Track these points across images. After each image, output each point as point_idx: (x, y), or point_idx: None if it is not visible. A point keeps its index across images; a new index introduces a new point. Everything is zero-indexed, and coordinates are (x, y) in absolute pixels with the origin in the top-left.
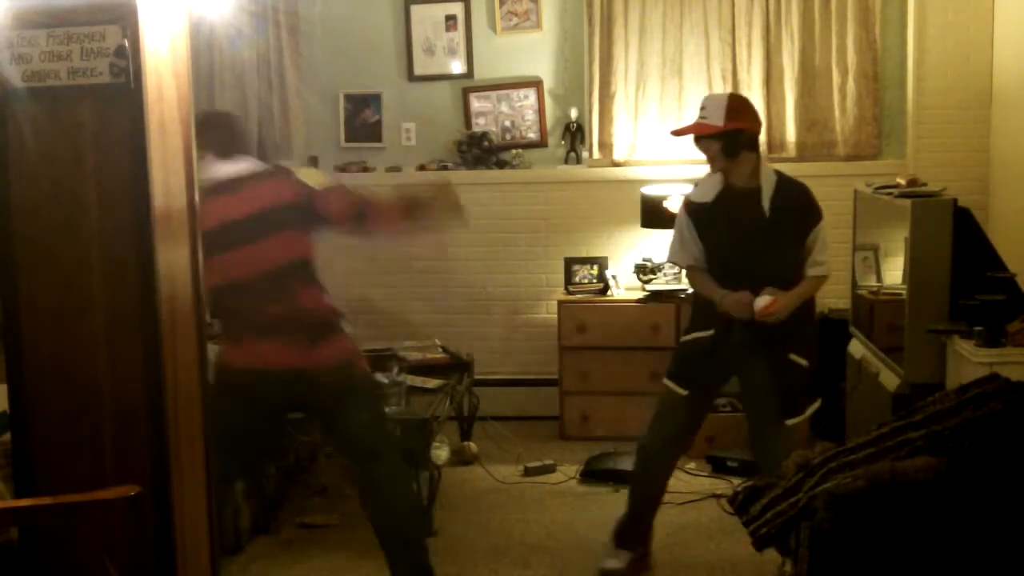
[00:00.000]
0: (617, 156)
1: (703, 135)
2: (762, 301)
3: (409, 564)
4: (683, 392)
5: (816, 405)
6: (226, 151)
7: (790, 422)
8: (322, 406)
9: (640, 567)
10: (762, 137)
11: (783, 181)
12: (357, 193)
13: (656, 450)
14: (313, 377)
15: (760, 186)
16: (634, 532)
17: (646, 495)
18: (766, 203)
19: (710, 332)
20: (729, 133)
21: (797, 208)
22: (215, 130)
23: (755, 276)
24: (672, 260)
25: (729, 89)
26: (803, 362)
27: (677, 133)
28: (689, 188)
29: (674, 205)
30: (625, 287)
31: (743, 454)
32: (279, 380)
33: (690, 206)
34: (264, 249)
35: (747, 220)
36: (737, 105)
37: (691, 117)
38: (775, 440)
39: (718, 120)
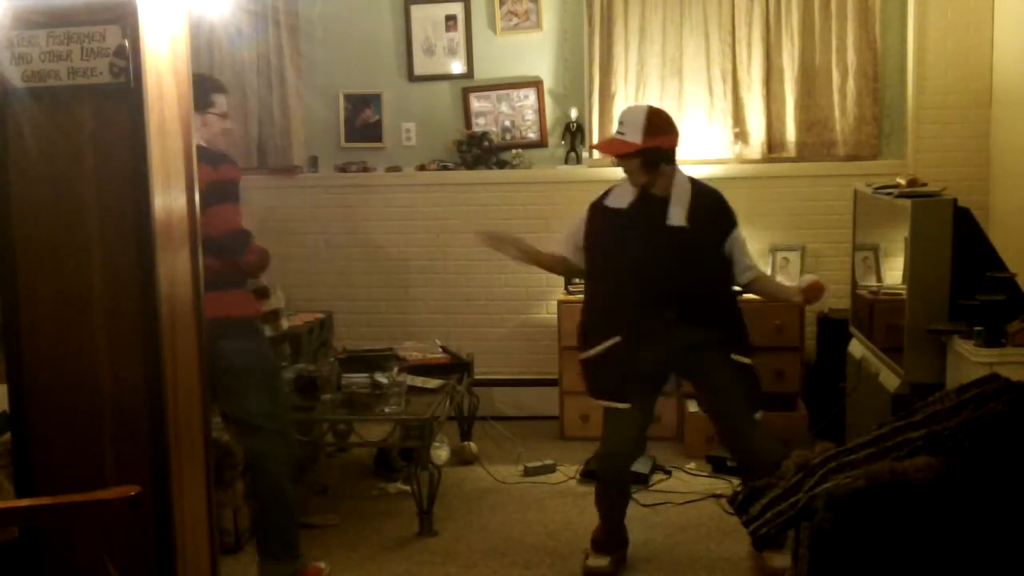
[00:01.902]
0: None
1: (621, 153)
2: (808, 278)
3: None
4: (625, 406)
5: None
6: None
7: (758, 416)
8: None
9: (619, 565)
10: (762, 137)
11: (698, 188)
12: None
13: (615, 463)
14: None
15: (670, 194)
16: (613, 536)
17: (613, 502)
18: (681, 211)
19: (617, 339)
20: (648, 151)
21: (714, 214)
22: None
23: (671, 283)
24: (556, 247)
25: (729, 90)
26: (747, 360)
27: (596, 148)
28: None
29: None
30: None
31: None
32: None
33: (600, 209)
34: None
35: (660, 227)
36: (655, 121)
37: (692, 117)
38: (755, 434)
39: (636, 138)
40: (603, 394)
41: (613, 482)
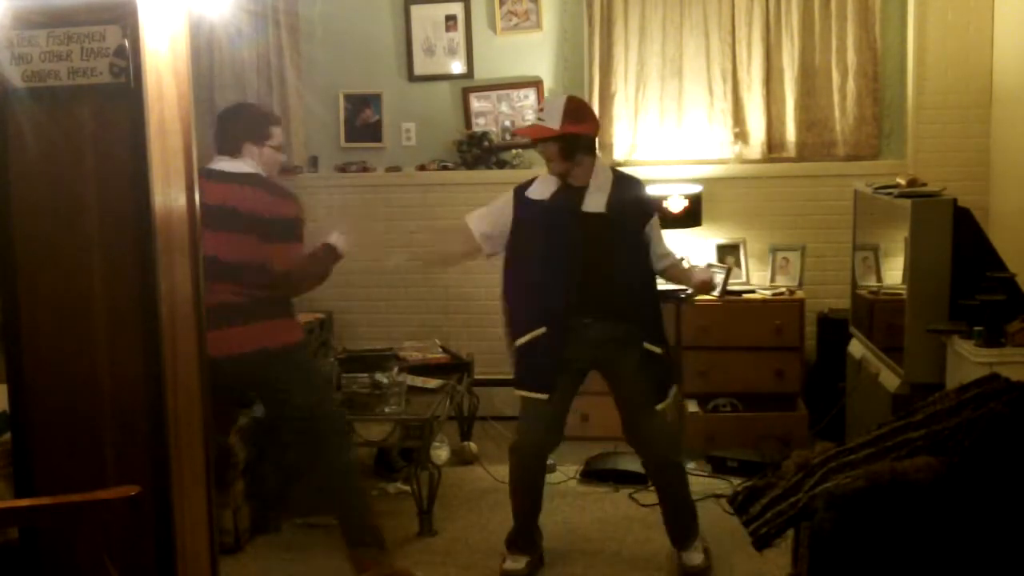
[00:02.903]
0: (617, 156)
1: (540, 137)
2: (703, 273)
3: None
4: (543, 397)
5: (676, 388)
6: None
7: (659, 406)
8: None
9: (537, 566)
10: (762, 137)
11: (620, 178)
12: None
13: (529, 453)
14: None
15: (589, 183)
16: (525, 535)
17: (524, 497)
18: (600, 197)
19: (543, 329)
20: (566, 136)
21: (631, 201)
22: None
23: (591, 270)
24: (468, 222)
25: (729, 90)
26: (658, 350)
27: (517, 132)
28: (689, 188)
29: (674, 205)
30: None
31: (743, 454)
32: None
33: (525, 201)
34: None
35: (578, 214)
36: (574, 109)
37: (692, 117)
38: (650, 425)
39: (555, 123)
40: (524, 385)
41: (524, 475)
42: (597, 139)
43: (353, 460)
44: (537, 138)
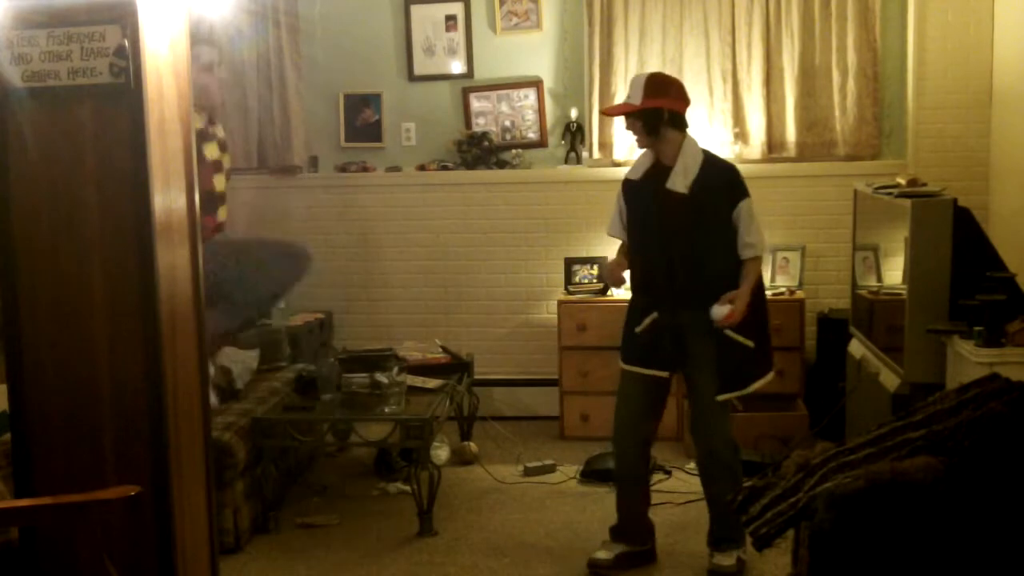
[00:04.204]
0: (617, 156)
1: (626, 113)
2: (720, 312)
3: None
4: (639, 371)
5: (765, 379)
6: None
7: (721, 397)
8: None
9: (633, 560)
10: (762, 137)
11: (710, 160)
12: None
13: (620, 435)
14: None
15: (674, 165)
16: (623, 524)
17: (621, 479)
18: (684, 178)
19: (653, 315)
20: (648, 111)
21: (719, 187)
22: None
23: (675, 254)
24: (608, 233)
25: (729, 90)
26: (746, 341)
27: (605, 112)
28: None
29: None
30: (625, 287)
31: (743, 454)
32: None
33: (625, 183)
34: None
35: (661, 192)
36: (657, 83)
37: (692, 117)
38: (705, 417)
39: (637, 99)
40: (622, 357)
41: (619, 456)
42: (686, 115)
43: None
44: (621, 114)
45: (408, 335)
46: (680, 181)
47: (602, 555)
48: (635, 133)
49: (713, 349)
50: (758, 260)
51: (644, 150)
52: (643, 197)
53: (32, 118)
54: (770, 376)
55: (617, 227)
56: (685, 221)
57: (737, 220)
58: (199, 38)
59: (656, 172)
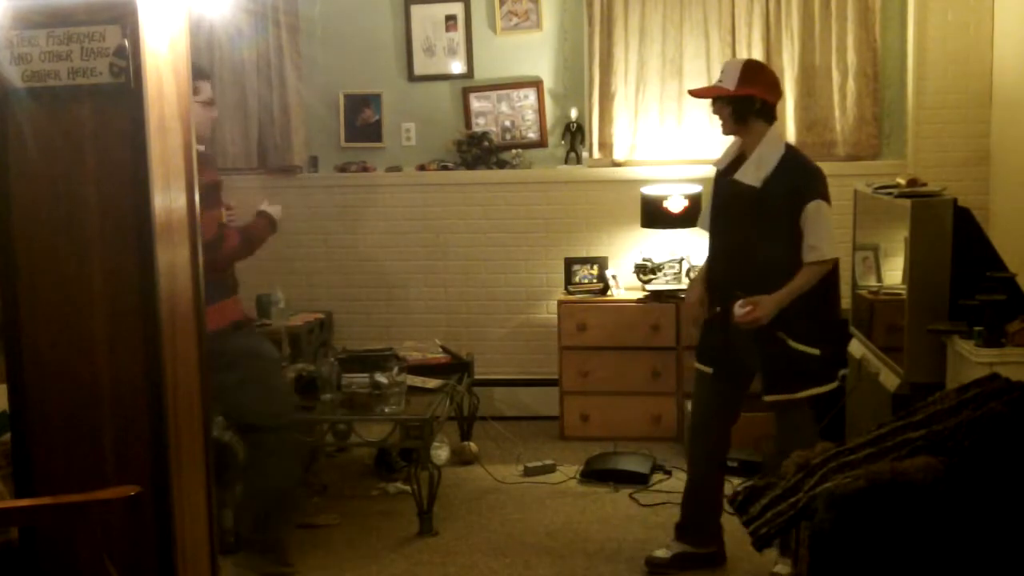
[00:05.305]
0: (617, 156)
1: (716, 97)
2: (740, 309)
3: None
4: (705, 370)
5: (821, 389)
6: None
7: (769, 398)
8: None
9: (694, 563)
10: None
11: (790, 156)
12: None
13: (695, 431)
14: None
15: (754, 152)
16: (690, 524)
17: (691, 477)
18: (757, 171)
19: (716, 309)
20: (740, 98)
21: (790, 185)
22: None
23: (737, 249)
24: (698, 224)
25: None
26: (809, 349)
27: (694, 93)
28: (689, 188)
29: (674, 205)
30: (625, 287)
31: (743, 454)
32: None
33: (715, 172)
34: None
35: (733, 187)
36: (752, 71)
37: (692, 117)
38: (788, 419)
39: (731, 84)
40: (696, 355)
41: (691, 452)
42: (775, 107)
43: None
44: (712, 97)
45: (408, 335)
46: (752, 173)
47: (660, 553)
48: (721, 119)
49: (766, 352)
50: (817, 266)
51: (732, 139)
52: (721, 186)
53: (32, 118)
54: (826, 387)
55: (705, 218)
56: (747, 214)
57: (804, 222)
58: (200, 72)
59: (735, 162)
